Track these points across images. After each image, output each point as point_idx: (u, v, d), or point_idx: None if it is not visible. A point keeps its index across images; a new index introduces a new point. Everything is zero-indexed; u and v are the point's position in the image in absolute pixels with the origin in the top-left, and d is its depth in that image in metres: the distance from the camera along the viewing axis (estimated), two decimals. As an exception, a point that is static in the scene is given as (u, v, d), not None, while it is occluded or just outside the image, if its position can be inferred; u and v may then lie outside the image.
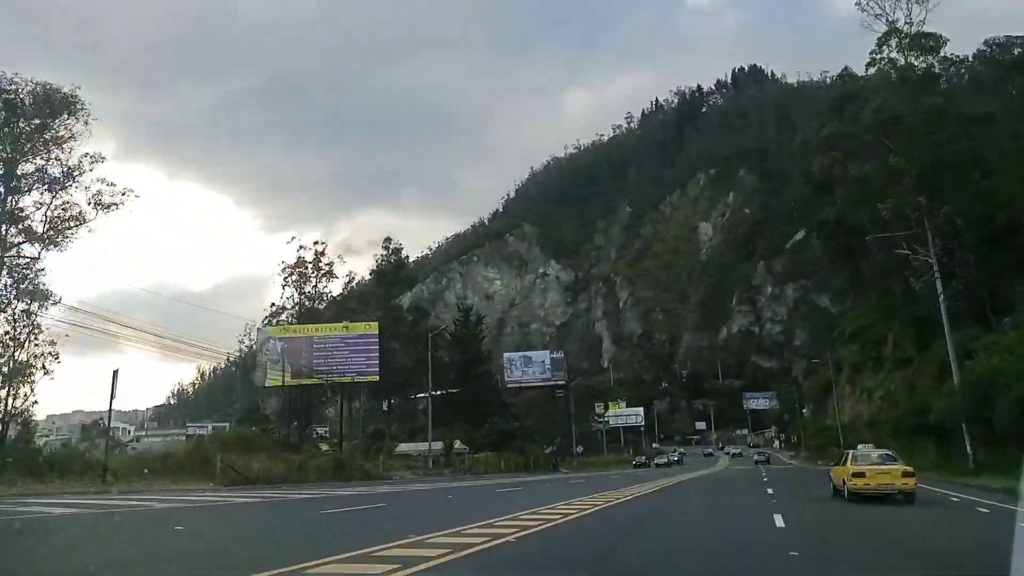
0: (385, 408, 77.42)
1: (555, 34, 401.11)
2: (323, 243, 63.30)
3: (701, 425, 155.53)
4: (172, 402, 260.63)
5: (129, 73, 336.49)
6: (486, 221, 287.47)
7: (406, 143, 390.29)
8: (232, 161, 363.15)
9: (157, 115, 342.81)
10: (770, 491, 27.03)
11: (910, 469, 20.26)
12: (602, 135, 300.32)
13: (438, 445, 56.41)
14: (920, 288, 38.13)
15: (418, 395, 71.59)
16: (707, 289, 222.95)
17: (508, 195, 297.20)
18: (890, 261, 43.16)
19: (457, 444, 58.18)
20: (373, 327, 59.85)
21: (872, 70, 43.66)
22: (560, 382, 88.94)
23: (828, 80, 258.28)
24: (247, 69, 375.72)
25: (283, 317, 59.45)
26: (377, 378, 59.54)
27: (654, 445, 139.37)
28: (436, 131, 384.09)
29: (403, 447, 59.56)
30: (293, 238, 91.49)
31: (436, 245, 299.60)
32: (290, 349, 54.20)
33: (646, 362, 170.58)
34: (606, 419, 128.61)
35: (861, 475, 20.02)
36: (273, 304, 60.92)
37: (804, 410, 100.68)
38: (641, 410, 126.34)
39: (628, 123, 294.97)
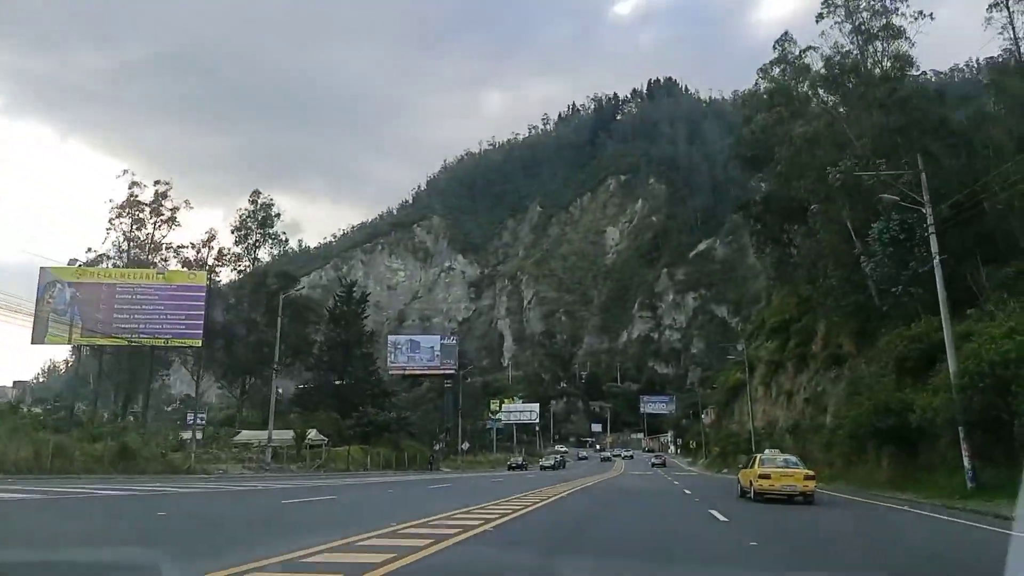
0: (240, 390, 65.48)
1: (474, 34, 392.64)
2: (167, 183, 51.40)
3: (597, 427, 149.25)
4: (42, 379, 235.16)
5: (19, 25, 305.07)
6: (395, 211, 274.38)
7: (313, 127, 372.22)
8: (126, 129, 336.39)
9: (48, 72, 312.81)
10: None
11: (811, 473, 20.97)
12: (518, 134, 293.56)
13: (288, 434, 45.62)
14: (874, 268, 30.84)
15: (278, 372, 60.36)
16: (610, 293, 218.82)
17: (419, 187, 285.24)
18: (833, 239, 36.06)
19: (312, 434, 47.36)
20: (199, 278, 48.02)
21: (824, 23, 36.28)
22: (450, 371, 78.83)
23: (739, 99, 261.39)
24: (146, 35, 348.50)
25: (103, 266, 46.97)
26: (200, 343, 47.92)
27: (557, 447, 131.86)
28: (345, 118, 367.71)
29: (245, 435, 48.27)
30: (125, 171, 69.08)
31: (341, 232, 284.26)
32: (83, 299, 41.25)
33: (546, 361, 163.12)
34: (499, 417, 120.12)
35: (767, 477, 20.58)
36: (90, 249, 48.18)
37: (704, 415, 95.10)
38: (536, 407, 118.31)
39: (544, 124, 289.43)
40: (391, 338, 77.69)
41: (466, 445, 65.43)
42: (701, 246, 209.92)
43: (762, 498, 20.23)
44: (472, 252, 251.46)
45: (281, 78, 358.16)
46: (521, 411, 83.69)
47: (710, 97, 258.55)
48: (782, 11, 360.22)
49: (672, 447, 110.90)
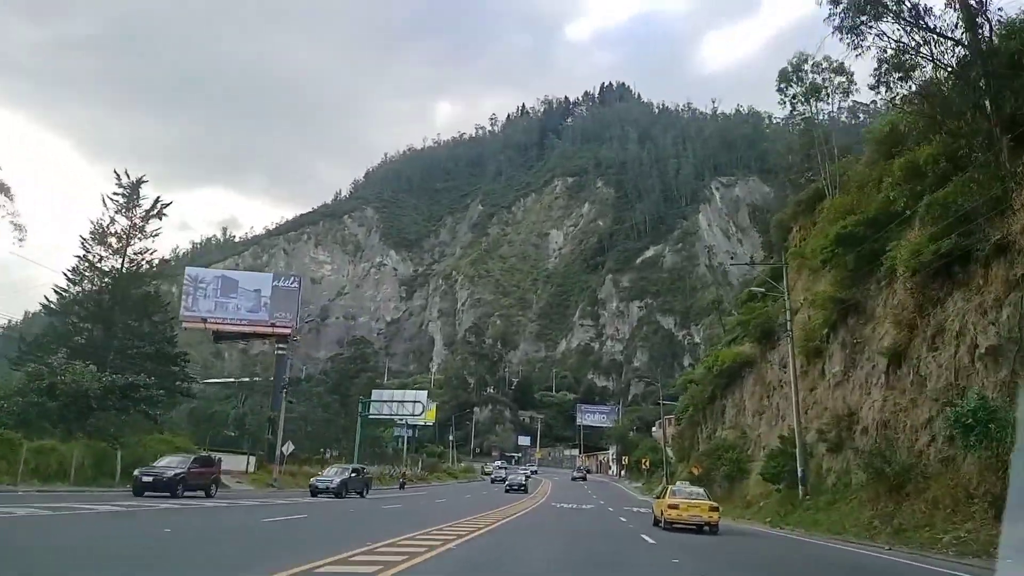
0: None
1: (427, 42, 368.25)
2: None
3: (525, 440, 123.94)
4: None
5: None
6: (328, 203, 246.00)
7: (258, 121, 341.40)
8: (61, 106, 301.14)
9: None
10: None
11: (715, 504, 21.66)
12: (464, 133, 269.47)
13: None
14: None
15: None
16: (550, 299, 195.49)
17: (356, 180, 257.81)
18: None
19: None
20: None
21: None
22: (284, 329, 55.21)
23: (691, 110, 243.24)
24: (86, 11, 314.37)
25: None
26: None
27: (498, 463, 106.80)
28: (291, 114, 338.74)
29: None
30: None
31: (274, 226, 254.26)
32: None
33: (472, 362, 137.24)
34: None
35: (675, 507, 20.85)
36: None
37: (655, 427, 71.81)
38: (424, 395, 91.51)
39: (492, 125, 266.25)
40: (191, 271, 49.55)
41: (289, 448, 39.43)
42: (649, 252, 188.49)
43: (671, 527, 20.49)
44: (406, 248, 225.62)
45: (228, 67, 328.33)
46: (404, 401, 55.48)
47: (663, 104, 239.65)
48: (732, 39, 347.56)
49: (614, 467, 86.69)
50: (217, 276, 49.68)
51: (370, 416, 54.98)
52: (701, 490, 23.67)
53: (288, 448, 40.78)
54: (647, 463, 59.50)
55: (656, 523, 22.06)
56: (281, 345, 47.70)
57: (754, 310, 36.41)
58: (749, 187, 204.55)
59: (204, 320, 48.36)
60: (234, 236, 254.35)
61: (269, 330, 49.15)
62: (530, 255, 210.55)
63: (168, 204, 44.15)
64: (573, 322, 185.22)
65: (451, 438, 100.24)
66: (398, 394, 53.38)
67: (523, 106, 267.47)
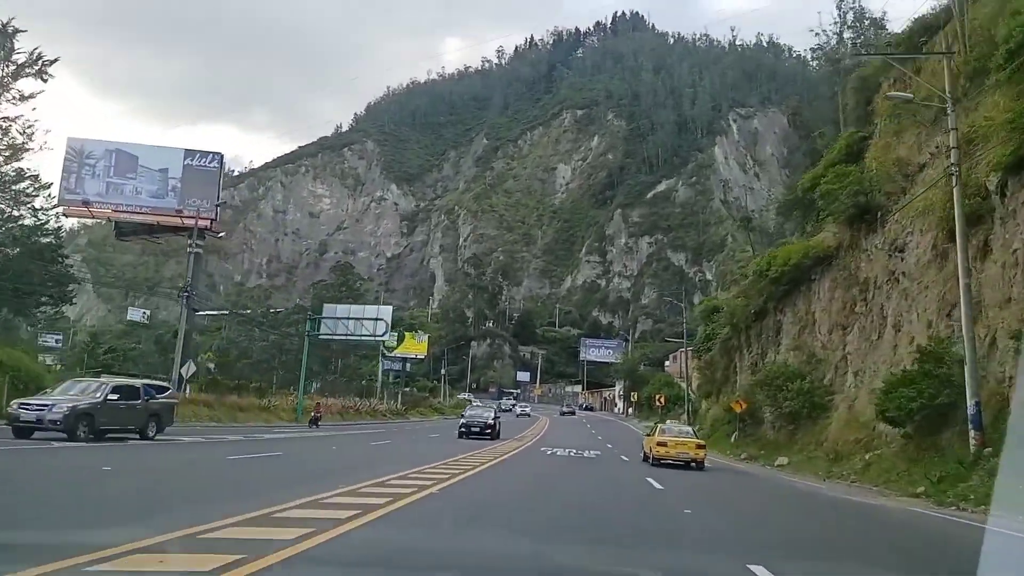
0: None
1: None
2: None
3: (524, 376, 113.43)
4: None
5: None
6: (328, 136, 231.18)
7: (261, 63, 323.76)
8: (56, 43, 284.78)
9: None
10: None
11: (702, 442, 22.14)
12: (469, 67, 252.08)
13: None
14: None
15: None
16: (556, 234, 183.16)
17: (356, 113, 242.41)
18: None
19: None
20: None
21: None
22: (200, 218, 38.71)
23: (708, 40, 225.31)
24: None
25: None
26: None
27: (465, 395, 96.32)
28: (295, 55, 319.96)
29: None
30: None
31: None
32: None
33: (470, 295, 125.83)
34: (392, 352, 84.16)
35: (664, 444, 20.97)
36: None
37: (670, 360, 61.06)
38: (388, 310, 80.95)
39: (499, 58, 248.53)
40: (73, 142, 35.98)
41: (189, 370, 28.19)
42: (661, 186, 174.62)
43: (659, 463, 20.52)
44: (408, 182, 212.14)
45: (230, 6, 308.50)
46: (363, 319, 43.03)
47: (678, 34, 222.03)
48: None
49: (620, 403, 75.84)
50: (110, 150, 37.03)
51: (320, 336, 43.43)
52: (689, 428, 24.71)
53: (188, 370, 29.32)
54: (662, 399, 48.57)
55: (645, 459, 22.27)
56: (198, 242, 35.77)
57: (846, 175, 24.29)
58: (769, 119, 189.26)
59: (87, 204, 36.19)
60: (232, 171, 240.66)
61: (177, 220, 36.98)
62: (536, 190, 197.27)
63: (54, 61, 31.92)
64: (579, 258, 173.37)
65: (443, 372, 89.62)
66: (355, 310, 41.41)
67: (531, 38, 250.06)
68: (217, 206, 38.55)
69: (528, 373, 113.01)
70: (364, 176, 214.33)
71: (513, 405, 67.32)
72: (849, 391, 23.35)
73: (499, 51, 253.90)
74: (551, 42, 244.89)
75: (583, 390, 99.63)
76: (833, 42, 59.43)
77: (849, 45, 62.13)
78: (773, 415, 28.02)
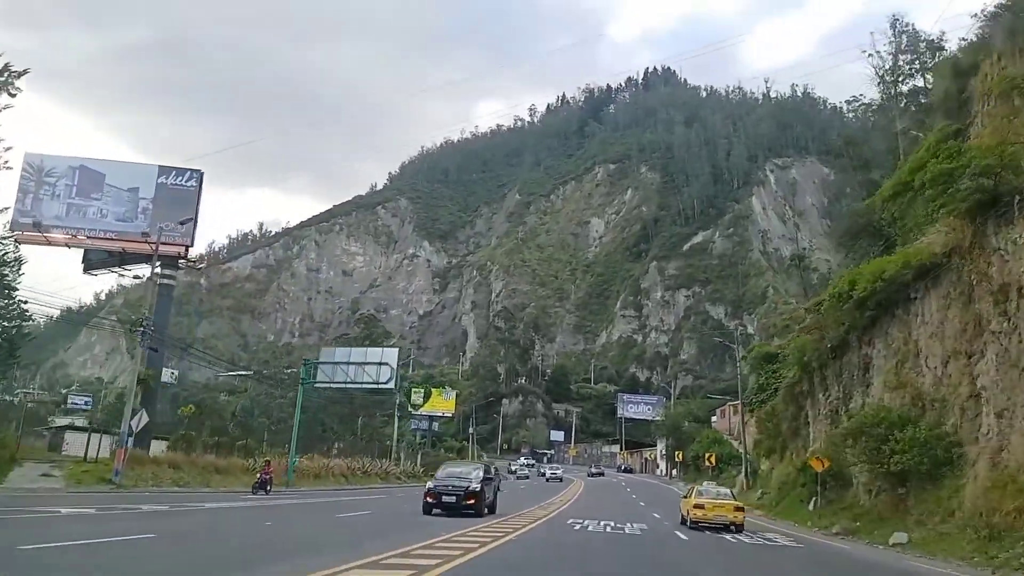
0: None
1: (470, 44, 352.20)
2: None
3: (558, 436, 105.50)
4: None
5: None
6: (363, 194, 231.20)
7: (302, 128, 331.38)
8: (110, 113, 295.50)
9: (33, 50, 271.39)
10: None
11: (740, 504, 21.20)
12: (502, 126, 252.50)
13: None
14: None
15: None
16: (590, 289, 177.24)
17: (390, 172, 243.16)
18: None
19: None
20: None
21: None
22: (172, 245, 30.62)
23: (741, 92, 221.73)
24: (136, 19, 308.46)
25: None
26: None
27: (487, 458, 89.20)
28: (334, 120, 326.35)
29: None
30: None
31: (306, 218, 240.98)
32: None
33: (501, 350, 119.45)
34: (418, 411, 78.19)
35: (701, 507, 20.31)
36: None
37: (716, 416, 53.20)
38: (394, 353, 75.10)
39: (531, 116, 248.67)
40: (31, 158, 29.40)
41: (141, 422, 22.39)
42: (697, 238, 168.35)
43: (697, 526, 19.92)
44: (440, 240, 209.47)
45: (273, 73, 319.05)
46: (365, 364, 36.32)
47: (711, 87, 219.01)
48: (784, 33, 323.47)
49: (663, 464, 67.80)
50: (73, 167, 32.29)
51: (316, 384, 37.43)
52: (727, 489, 23.44)
53: (139, 422, 23.58)
54: (712, 459, 41.12)
55: (683, 521, 21.48)
56: (167, 273, 30.40)
57: (963, 152, 17.98)
58: (807, 169, 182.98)
59: (39, 227, 31.15)
60: (269, 231, 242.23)
61: (144, 247, 31.53)
62: (569, 244, 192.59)
63: (22, 73, 27.91)
64: (614, 313, 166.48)
65: (471, 431, 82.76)
66: (357, 353, 35.16)
67: (563, 96, 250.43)
68: (182, 223, 33.22)
69: (562, 432, 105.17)
70: (397, 233, 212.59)
71: (538, 466, 58.63)
72: (990, 440, 16.46)
73: (531, 109, 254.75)
74: (583, 99, 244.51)
75: (621, 450, 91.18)
76: (887, 63, 53.57)
77: (905, 67, 56.26)
78: (870, 475, 21.06)
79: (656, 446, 75.36)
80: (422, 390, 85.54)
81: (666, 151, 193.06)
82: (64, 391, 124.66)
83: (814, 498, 24.02)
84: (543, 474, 56.65)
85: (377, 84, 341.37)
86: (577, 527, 17.68)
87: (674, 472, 57.39)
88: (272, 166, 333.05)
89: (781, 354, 48.60)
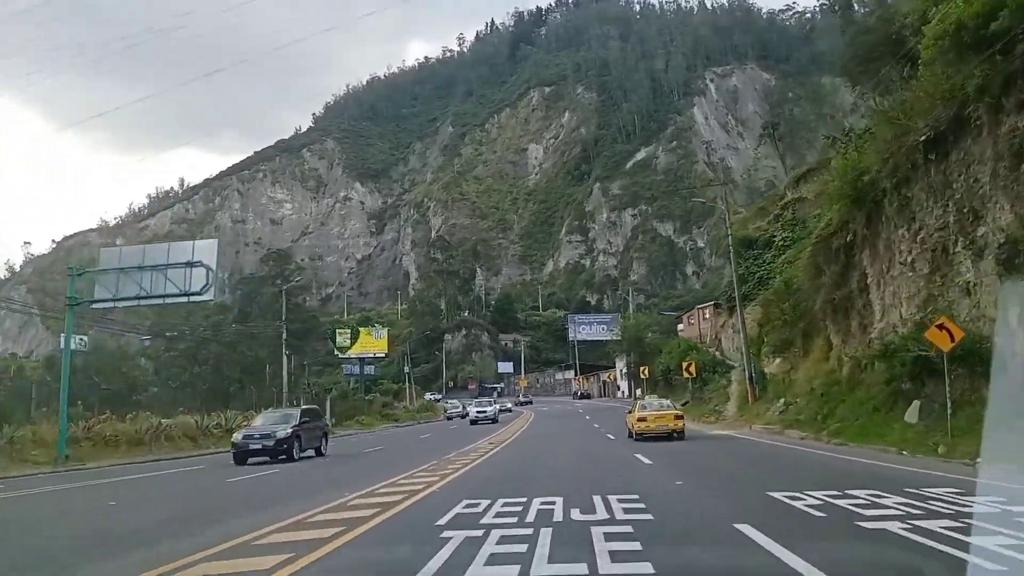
0: None
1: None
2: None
3: (507, 367, 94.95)
4: None
5: None
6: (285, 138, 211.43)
7: (225, 81, 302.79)
8: (20, 77, 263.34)
9: None
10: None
11: (680, 413, 21.56)
12: (430, 58, 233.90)
13: None
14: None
15: None
16: (533, 217, 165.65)
17: (315, 113, 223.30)
18: None
19: None
20: None
21: None
22: None
23: (676, 4, 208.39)
24: None
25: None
26: None
27: (431, 396, 78.02)
28: (258, 71, 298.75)
29: None
30: None
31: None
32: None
33: (440, 282, 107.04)
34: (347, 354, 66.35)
35: (644, 420, 20.85)
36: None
37: (682, 322, 42.85)
38: (384, 332, 64.68)
39: (460, 45, 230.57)
40: None
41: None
42: (640, 155, 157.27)
43: (642, 437, 20.44)
44: (373, 180, 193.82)
45: (187, 26, 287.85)
46: (168, 267, 25.99)
47: (644, 0, 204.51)
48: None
49: (624, 384, 57.71)
50: None
51: (94, 303, 24.31)
52: (668, 401, 23.95)
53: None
54: (692, 368, 30.66)
55: (630, 435, 21.85)
56: None
57: None
58: (748, 76, 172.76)
59: None
60: (189, 184, 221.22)
61: None
62: (508, 173, 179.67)
63: None
64: (560, 239, 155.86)
65: (407, 370, 71.26)
66: (155, 252, 22.47)
67: (491, 22, 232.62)
68: None
69: (511, 363, 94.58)
70: (326, 177, 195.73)
71: (475, 404, 43.62)
72: None
73: (459, 38, 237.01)
74: (512, 23, 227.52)
75: (576, 375, 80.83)
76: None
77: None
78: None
79: (615, 367, 65.11)
80: (348, 331, 73.27)
81: (602, 68, 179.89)
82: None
83: (917, 403, 13.28)
84: (466, 416, 43.49)
85: (300, 29, 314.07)
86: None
87: (638, 392, 47.72)
88: (197, 124, 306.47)
89: (761, 238, 37.76)
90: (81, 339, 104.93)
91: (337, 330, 75.14)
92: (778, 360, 23.47)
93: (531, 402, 68.43)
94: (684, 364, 31.99)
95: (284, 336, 41.87)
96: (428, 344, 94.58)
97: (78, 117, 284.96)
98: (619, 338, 65.79)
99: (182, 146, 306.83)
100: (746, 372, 24.25)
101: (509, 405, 56.90)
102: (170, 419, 29.66)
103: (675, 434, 20.08)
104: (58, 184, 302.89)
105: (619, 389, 55.34)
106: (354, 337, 71.20)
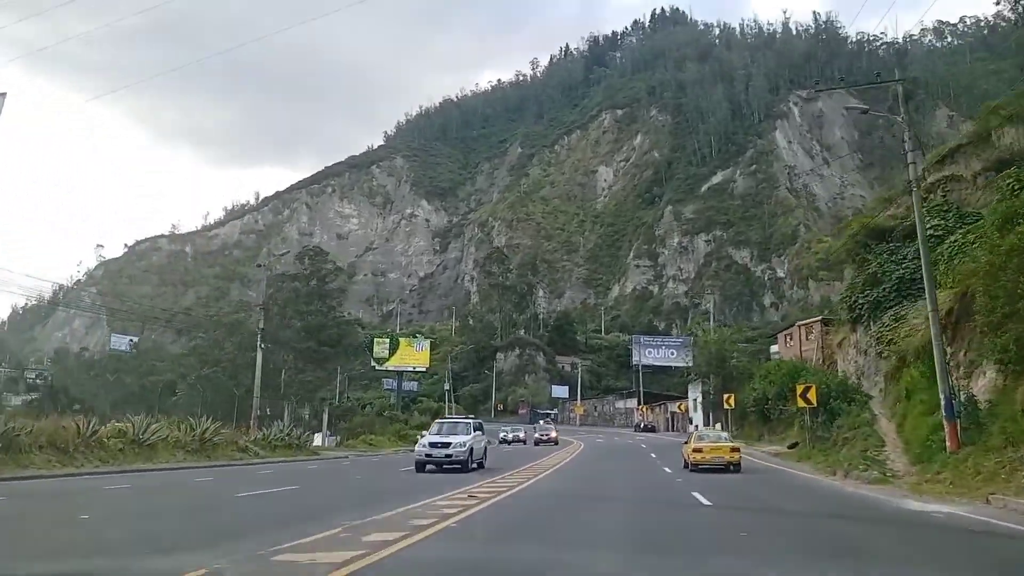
0: None
1: (470, 11, 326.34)
2: None
3: (561, 392, 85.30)
4: None
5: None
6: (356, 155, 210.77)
7: (306, 105, 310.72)
8: (119, 98, 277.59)
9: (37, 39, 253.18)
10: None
11: (736, 445, 21.08)
12: (503, 81, 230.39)
13: None
14: None
15: None
16: (599, 240, 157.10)
17: (386, 132, 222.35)
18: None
19: None
20: None
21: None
22: None
23: (757, 26, 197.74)
24: (136, 3, 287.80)
25: None
26: None
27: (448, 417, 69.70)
28: (338, 96, 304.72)
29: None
30: None
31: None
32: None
33: (494, 296, 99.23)
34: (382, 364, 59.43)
35: (699, 451, 20.36)
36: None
37: (778, 346, 33.27)
38: (426, 344, 57.30)
39: (533, 69, 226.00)
40: None
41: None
42: (716, 178, 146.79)
43: (697, 468, 19.93)
44: (439, 198, 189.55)
45: (276, 51, 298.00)
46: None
47: (723, 23, 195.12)
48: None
49: (697, 417, 47.67)
50: None
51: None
52: (725, 433, 24.77)
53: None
54: (812, 395, 21.38)
55: (685, 465, 21.09)
56: None
57: None
58: (835, 101, 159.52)
59: None
60: (259, 193, 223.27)
61: None
62: (576, 195, 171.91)
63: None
64: (627, 264, 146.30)
65: (447, 387, 63.29)
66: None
67: (566, 46, 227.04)
68: None
69: (566, 388, 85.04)
70: (393, 194, 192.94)
71: (510, 430, 35.26)
72: None
73: (533, 62, 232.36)
74: (587, 48, 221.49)
75: (639, 405, 69.99)
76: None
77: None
78: None
79: (690, 395, 54.48)
80: (387, 340, 66.29)
81: (678, 90, 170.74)
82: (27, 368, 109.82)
83: None
84: (505, 439, 35.42)
85: (379, 58, 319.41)
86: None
87: (718, 426, 37.76)
88: (277, 143, 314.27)
89: (897, 228, 28.23)
90: (131, 340, 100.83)
91: (376, 339, 68.17)
92: (990, 376, 14.22)
93: (550, 436, 44.03)
94: (799, 389, 22.63)
95: (261, 325, 34.93)
96: (479, 363, 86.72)
97: (171, 134, 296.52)
98: (690, 364, 55.67)
99: (262, 164, 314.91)
100: (942, 399, 14.58)
101: (551, 434, 43.31)
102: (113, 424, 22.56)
103: (731, 466, 19.65)
104: (141, 193, 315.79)
105: (692, 423, 45.20)
106: (393, 348, 64.24)
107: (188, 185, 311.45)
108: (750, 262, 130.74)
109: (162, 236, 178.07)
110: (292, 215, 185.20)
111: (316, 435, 39.49)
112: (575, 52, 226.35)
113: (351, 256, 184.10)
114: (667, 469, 21.43)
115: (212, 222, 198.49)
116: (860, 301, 26.72)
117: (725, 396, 35.49)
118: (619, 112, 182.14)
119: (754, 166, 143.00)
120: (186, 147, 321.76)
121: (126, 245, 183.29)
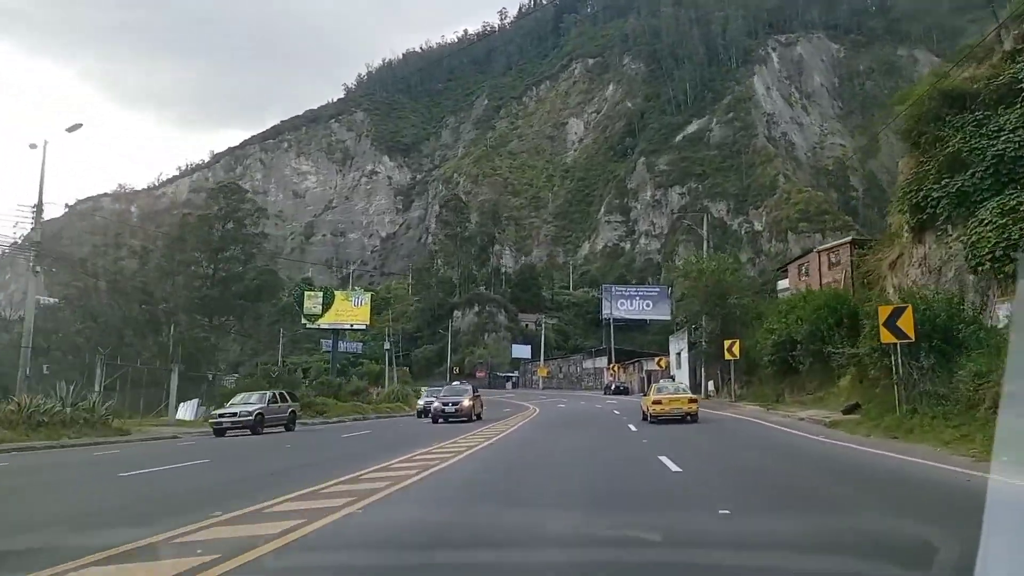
0: None
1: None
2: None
3: (524, 351, 75.88)
4: None
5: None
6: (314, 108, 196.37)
7: (271, 65, 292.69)
8: (76, 58, 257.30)
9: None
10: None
11: (694, 396, 21.73)
12: (469, 31, 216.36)
13: None
14: None
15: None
16: (569, 195, 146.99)
17: (347, 85, 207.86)
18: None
19: None
20: None
21: None
22: None
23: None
24: None
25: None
26: None
27: (421, 389, 60.29)
28: (302, 58, 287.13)
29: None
30: None
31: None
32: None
33: (450, 247, 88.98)
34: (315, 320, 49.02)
35: (659, 403, 20.64)
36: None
37: (789, 279, 24.74)
38: (366, 298, 47.42)
39: (502, 18, 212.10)
40: None
41: None
42: (691, 127, 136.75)
43: (657, 419, 20.07)
44: (402, 154, 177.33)
45: (240, 10, 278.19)
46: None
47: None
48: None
49: (682, 374, 38.28)
50: None
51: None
52: (684, 384, 25.44)
53: None
54: (907, 320, 12.66)
55: (644, 417, 21.55)
56: None
57: None
58: (815, 46, 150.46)
59: None
60: (212, 150, 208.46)
61: None
62: (544, 149, 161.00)
63: None
64: (597, 220, 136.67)
65: (387, 347, 53.51)
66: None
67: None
68: None
69: (528, 348, 75.45)
70: (354, 149, 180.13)
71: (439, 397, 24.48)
72: None
73: (502, 12, 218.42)
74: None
75: (610, 363, 59.78)
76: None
77: None
78: None
79: (671, 351, 44.38)
80: (320, 294, 55.96)
81: (652, 36, 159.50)
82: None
83: None
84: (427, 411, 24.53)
85: (346, 14, 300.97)
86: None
87: (709, 386, 28.54)
88: (242, 106, 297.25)
89: (984, 93, 18.14)
90: (53, 301, 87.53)
91: (306, 292, 57.83)
92: None
93: (460, 409, 23.23)
94: (882, 314, 13.11)
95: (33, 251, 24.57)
96: (434, 322, 77.18)
97: (133, 96, 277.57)
98: (668, 318, 46.27)
99: (227, 128, 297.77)
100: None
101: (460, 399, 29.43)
102: None
103: (688, 417, 19.90)
104: (97, 157, 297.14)
105: (673, 378, 35.40)
106: (327, 303, 53.83)
107: (148, 149, 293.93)
108: (726, 215, 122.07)
109: (105, 195, 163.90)
110: (245, 172, 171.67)
111: (183, 405, 29.65)
112: (545, 0, 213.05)
113: (308, 215, 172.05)
114: (675, 468, 10.10)
115: (162, 180, 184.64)
116: (935, 196, 17.17)
117: (727, 343, 25.74)
118: (590, 61, 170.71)
119: (731, 114, 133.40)
120: (149, 110, 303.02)
121: (67, 205, 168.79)
